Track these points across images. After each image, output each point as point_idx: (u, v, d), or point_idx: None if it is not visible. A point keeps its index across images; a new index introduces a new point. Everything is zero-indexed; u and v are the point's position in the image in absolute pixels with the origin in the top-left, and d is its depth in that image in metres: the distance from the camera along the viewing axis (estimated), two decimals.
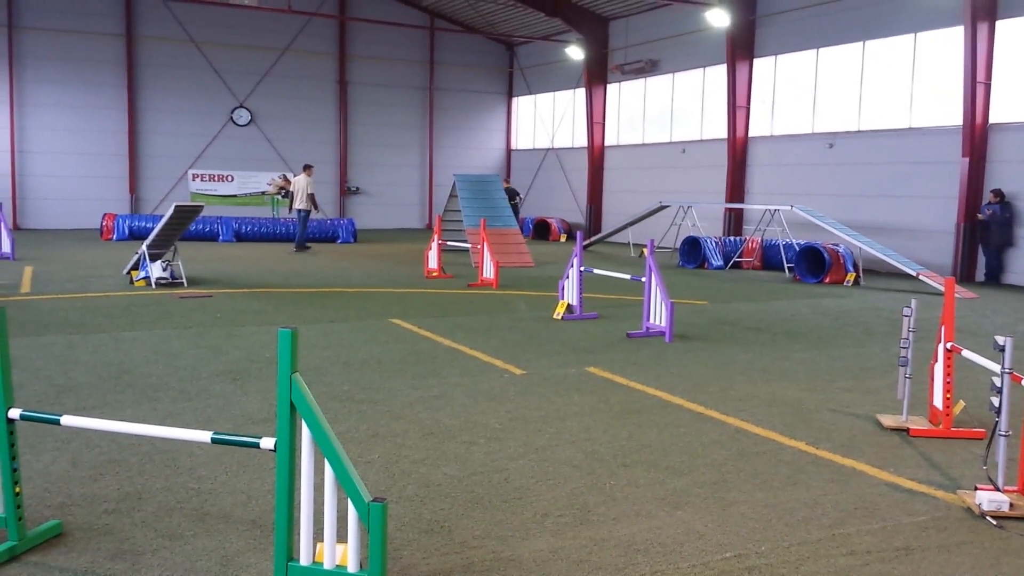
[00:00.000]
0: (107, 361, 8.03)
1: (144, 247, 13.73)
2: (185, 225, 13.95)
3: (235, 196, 29.94)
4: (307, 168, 21.95)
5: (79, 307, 11.34)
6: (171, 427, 4.15)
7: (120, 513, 4.40)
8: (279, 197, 30.31)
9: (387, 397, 6.89)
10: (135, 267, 14.03)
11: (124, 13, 27.98)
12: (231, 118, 29.77)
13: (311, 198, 21.53)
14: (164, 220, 13.46)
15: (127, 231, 23.66)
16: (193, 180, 29.42)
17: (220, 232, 24.37)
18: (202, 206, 14.19)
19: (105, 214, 24.51)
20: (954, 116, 18.31)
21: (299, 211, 21.63)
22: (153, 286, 13.51)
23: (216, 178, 29.74)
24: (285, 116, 30.50)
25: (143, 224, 23.60)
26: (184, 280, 13.90)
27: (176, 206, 13.36)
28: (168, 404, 6.55)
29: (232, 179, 29.93)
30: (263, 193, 30.38)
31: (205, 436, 3.62)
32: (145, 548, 3.99)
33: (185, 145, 29.26)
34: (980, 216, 17.66)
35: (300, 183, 21.70)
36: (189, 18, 28.72)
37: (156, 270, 13.64)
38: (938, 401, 6.25)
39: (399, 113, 32.54)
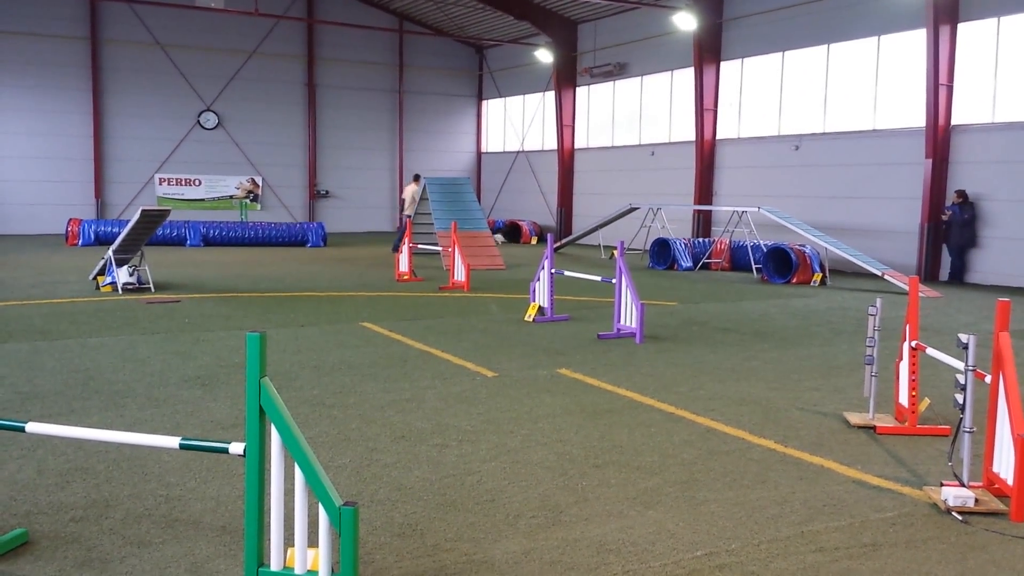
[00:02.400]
0: (73, 368, 7.92)
1: (110, 252, 13.57)
2: (152, 230, 13.80)
3: (203, 200, 29.68)
4: (417, 178, 22.62)
5: (44, 313, 11.18)
6: (139, 433, 4.11)
7: (87, 521, 4.35)
8: (247, 201, 30.12)
9: (358, 401, 6.86)
10: (101, 272, 13.86)
11: (88, 16, 27.64)
12: (198, 121, 29.50)
13: (403, 203, 22.41)
14: (130, 225, 13.31)
15: (93, 236, 23.34)
16: (160, 184, 29.11)
17: (188, 236, 24.13)
18: (169, 210, 14.07)
19: (70, 219, 24.18)
20: (917, 118, 18.59)
21: (408, 217, 21.97)
22: (120, 291, 13.35)
23: (183, 182, 29.45)
24: (253, 119, 30.29)
25: (109, 229, 23.29)
26: (151, 285, 13.75)
27: (143, 210, 13.23)
28: (136, 410, 6.48)
29: (200, 183, 29.66)
30: (231, 197, 30.14)
31: (173, 442, 3.59)
32: (113, 556, 3.95)
33: (152, 149, 28.96)
34: (943, 216, 17.95)
35: (410, 191, 22.29)
36: (154, 21, 28.43)
37: (123, 275, 13.48)
38: (904, 399, 6.34)
39: (368, 116, 32.43)
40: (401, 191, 32.72)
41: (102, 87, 28.08)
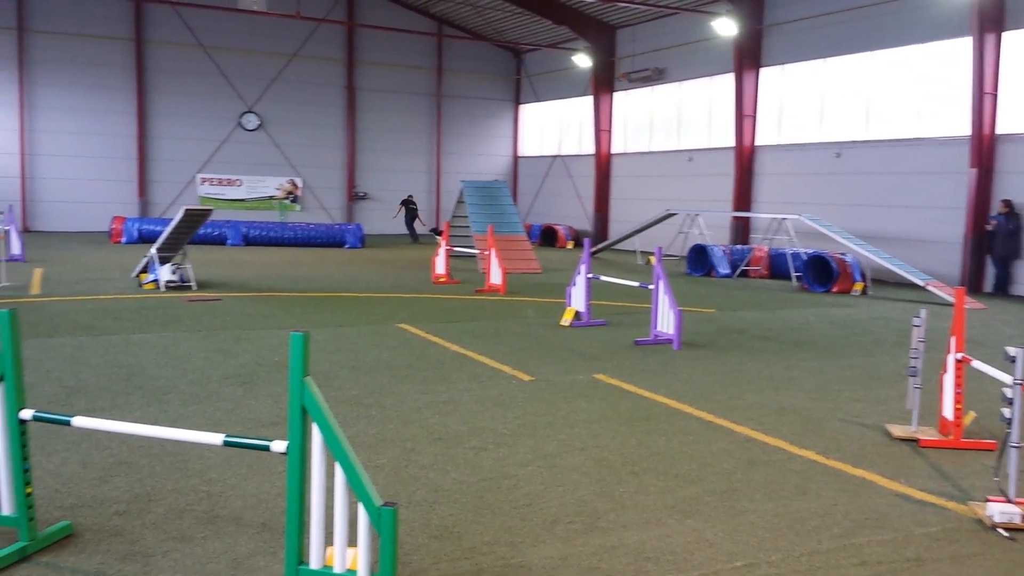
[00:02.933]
0: (117, 363, 8.05)
1: (153, 250, 13.77)
2: (194, 229, 13.99)
3: (243, 200, 30.04)
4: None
5: (89, 309, 11.38)
6: (183, 429, 4.16)
7: (130, 515, 4.41)
8: (287, 202, 30.42)
9: (396, 402, 6.89)
10: (144, 270, 14.07)
11: (133, 17, 28.11)
12: (240, 123, 29.87)
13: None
14: (173, 223, 13.50)
15: (136, 234, 23.72)
16: (202, 184, 29.52)
17: (229, 236, 24.43)
18: (211, 210, 14.24)
19: (114, 217, 24.60)
20: (962, 126, 18.28)
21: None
22: (162, 289, 13.54)
23: (225, 182, 29.83)
24: (293, 121, 30.60)
25: (152, 227, 23.66)
26: (193, 283, 13.94)
27: (186, 210, 13.40)
28: (178, 407, 6.56)
29: (241, 183, 30.03)
30: (271, 198, 30.47)
31: (217, 439, 3.63)
32: (155, 550, 4.00)
33: (194, 149, 29.38)
34: (988, 227, 17.62)
35: None
36: (198, 23, 28.85)
37: (165, 273, 13.67)
38: (948, 412, 6.23)
39: (407, 119, 32.62)
40: (438, 195, 32.89)
41: (146, 87, 28.54)
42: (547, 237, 29.12)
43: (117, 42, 28.01)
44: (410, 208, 28.99)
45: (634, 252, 24.49)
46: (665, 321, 10.09)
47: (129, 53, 28.20)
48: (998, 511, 4.64)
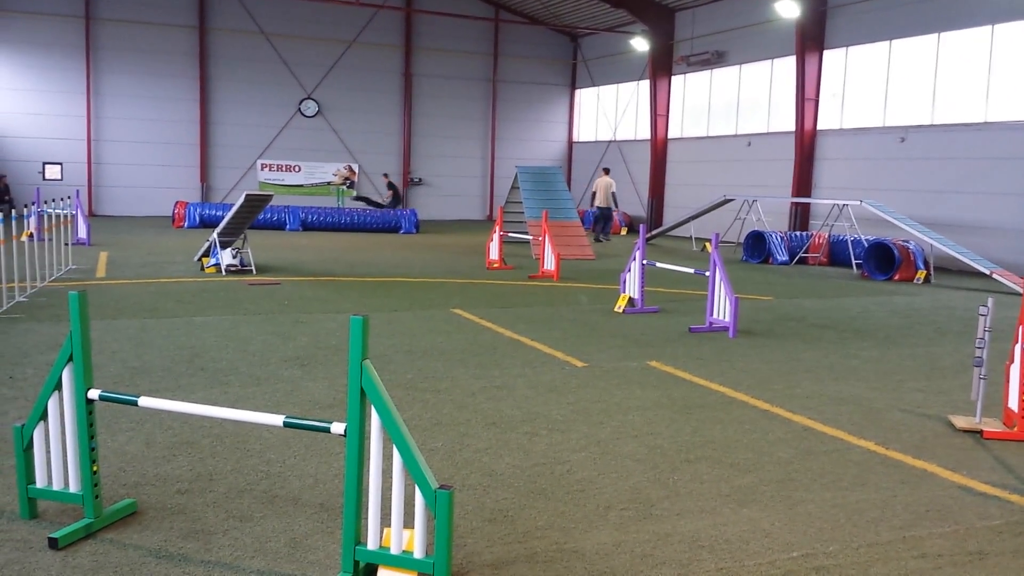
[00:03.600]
0: (179, 345, 8.24)
1: (215, 235, 14.04)
2: (255, 214, 14.22)
3: (302, 186, 30.46)
4: (607, 171, 24.26)
5: (152, 292, 11.66)
6: (244, 410, 4.25)
7: (192, 493, 4.52)
8: (344, 187, 30.74)
9: (450, 386, 6.94)
10: (206, 254, 14.36)
11: (197, 5, 28.61)
12: (299, 109, 30.25)
13: (613, 196, 23.56)
14: (235, 208, 13.75)
15: (198, 219, 24.21)
16: (262, 170, 30.00)
17: (287, 221, 24.79)
18: (271, 195, 14.45)
19: (177, 202, 25.14)
20: None
21: (599, 208, 23.54)
22: (223, 273, 13.81)
23: (284, 168, 30.28)
24: (351, 108, 30.89)
25: (214, 212, 24.13)
26: (253, 267, 14.19)
27: (247, 195, 13.63)
28: (238, 388, 6.70)
29: (299, 169, 30.45)
30: (329, 183, 30.84)
31: (277, 420, 3.70)
32: (216, 528, 4.10)
33: (254, 135, 29.85)
34: None
35: (602, 184, 23.50)
36: (259, 11, 29.25)
37: (226, 257, 13.93)
38: (1014, 403, 6.06)
39: (462, 105, 32.69)
40: (492, 180, 32.93)
41: (208, 74, 29.05)
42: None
43: (180, 29, 28.55)
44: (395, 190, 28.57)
45: (689, 238, 24.24)
46: (721, 308, 9.98)
47: (192, 40, 28.73)
48: None
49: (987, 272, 15.66)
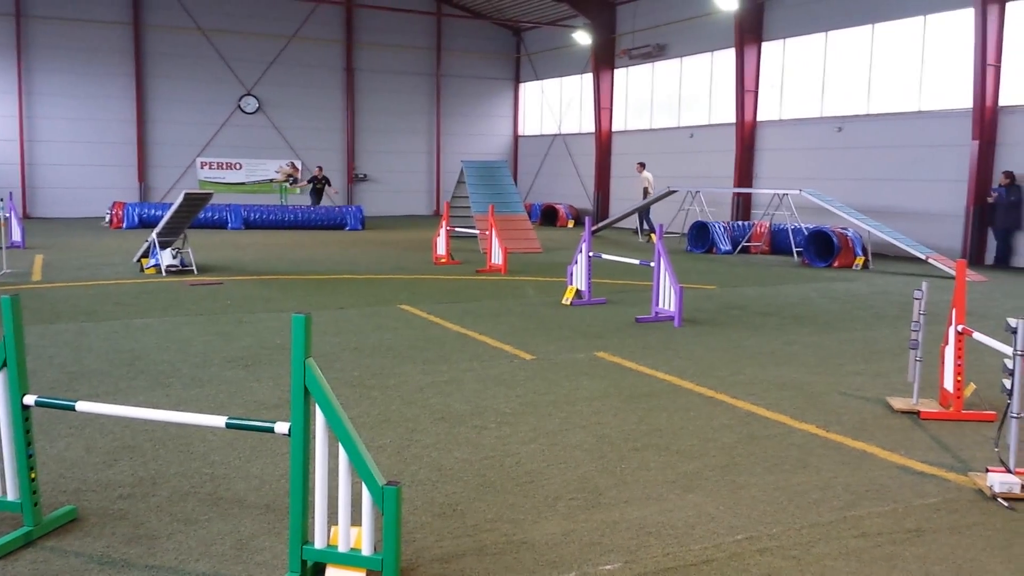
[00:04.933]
0: (119, 348, 8.07)
1: (154, 235, 13.78)
2: (194, 213, 13.99)
3: (243, 184, 29.99)
4: (643, 165, 23.91)
5: (90, 295, 11.40)
6: (186, 412, 4.18)
7: (135, 498, 4.44)
8: (287, 184, 30.37)
9: (398, 383, 6.92)
10: (145, 255, 14.08)
11: (131, 2, 27.96)
12: (239, 106, 29.78)
13: (645, 191, 23.30)
14: (174, 208, 13.50)
15: (137, 219, 23.72)
16: (201, 168, 29.47)
17: (229, 220, 24.42)
18: (211, 194, 14.24)
19: (115, 202, 24.58)
20: (964, 99, 18.20)
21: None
22: (163, 274, 13.56)
23: (224, 166, 29.78)
24: (292, 103, 30.50)
25: (153, 212, 23.66)
26: (194, 267, 13.95)
27: (186, 194, 13.40)
28: (180, 390, 6.59)
29: (240, 167, 29.97)
30: (271, 181, 30.43)
31: (220, 421, 3.65)
32: (160, 532, 4.03)
33: (193, 133, 29.31)
34: (989, 199, 17.58)
35: (647, 178, 23.41)
36: (196, 6, 28.71)
37: (166, 258, 13.69)
38: (949, 384, 6.24)
39: (406, 100, 32.50)
40: (438, 176, 32.81)
41: (144, 72, 28.43)
42: (548, 216, 29.08)
43: (115, 26, 27.89)
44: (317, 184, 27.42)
45: (635, 230, 24.45)
46: (666, 298, 10.10)
47: (127, 37, 28.08)
48: (998, 481, 4.66)
49: (923, 257, 16.08)
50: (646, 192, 23.33)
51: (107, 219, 24.28)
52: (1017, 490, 4.62)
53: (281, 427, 3.50)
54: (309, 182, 27.75)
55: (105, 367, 7.31)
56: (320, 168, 27.94)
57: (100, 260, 15.57)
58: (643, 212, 23.07)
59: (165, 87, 28.78)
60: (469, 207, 20.15)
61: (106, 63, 27.88)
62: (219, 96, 29.51)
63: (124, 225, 23.71)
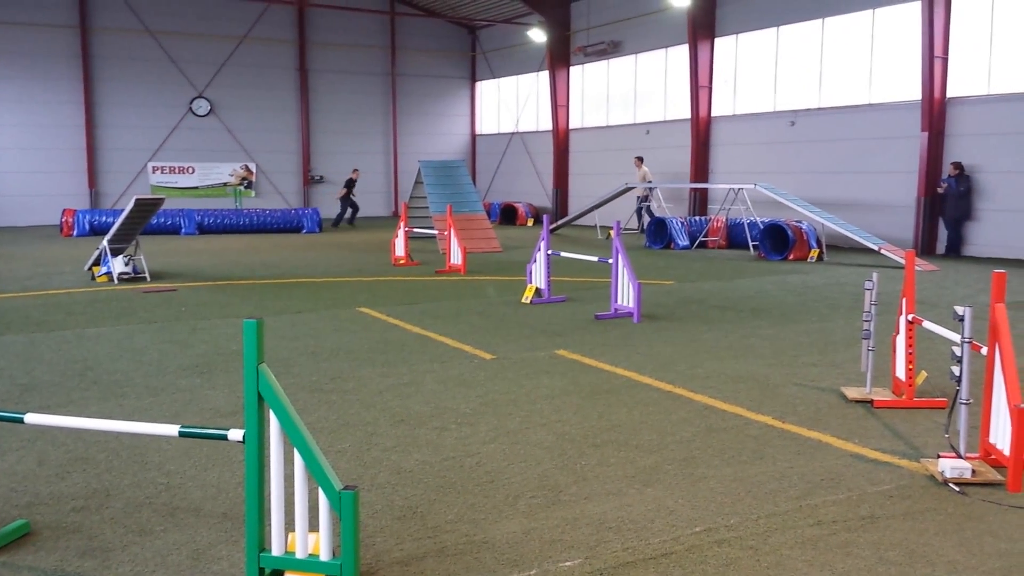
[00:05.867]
0: (71, 358, 7.92)
1: (105, 242, 13.55)
2: (146, 219, 13.77)
3: (197, 188, 29.60)
4: (641, 160, 23.61)
5: (40, 305, 11.17)
6: (138, 422, 4.11)
7: (88, 510, 4.36)
8: (241, 188, 30.03)
9: (357, 386, 6.87)
10: (96, 263, 13.84)
11: (77, 4, 27.45)
12: (190, 109, 29.38)
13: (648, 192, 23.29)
14: (124, 214, 13.29)
15: (88, 226, 23.28)
16: (153, 173, 29.03)
17: (183, 225, 24.08)
18: (163, 199, 14.04)
19: (65, 210, 24.09)
20: (913, 91, 18.54)
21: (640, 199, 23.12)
22: (115, 281, 13.34)
23: (177, 170, 29.36)
24: (245, 106, 30.16)
25: (104, 219, 23.23)
26: (147, 274, 13.74)
27: (136, 199, 13.19)
28: (134, 400, 6.49)
29: (193, 171, 29.58)
30: (225, 184, 30.06)
31: (172, 430, 3.60)
32: (115, 544, 3.96)
33: (144, 138, 28.85)
34: (939, 189, 17.94)
35: (643, 173, 23.22)
36: (144, 8, 28.26)
37: (118, 265, 13.46)
38: (901, 372, 6.35)
39: (361, 100, 32.30)
40: (396, 176, 32.66)
41: (93, 76, 27.92)
42: (507, 215, 29.10)
43: (61, 30, 27.35)
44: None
45: (594, 227, 24.57)
46: (625, 295, 10.15)
47: (74, 41, 27.56)
48: (949, 467, 4.75)
49: (875, 248, 16.37)
50: (649, 189, 23.38)
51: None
52: (968, 475, 4.72)
53: (235, 434, 3.46)
54: (347, 187, 26.93)
55: (57, 378, 7.17)
56: (356, 171, 27.50)
57: (50, 269, 15.27)
58: (644, 205, 23.13)
59: (114, 91, 28.29)
60: (427, 207, 20.08)
61: (53, 68, 27.34)
62: (170, 99, 29.08)
63: (75, 233, 23.26)
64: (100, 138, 28.31)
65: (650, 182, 23.17)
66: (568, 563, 3.76)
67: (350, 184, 26.94)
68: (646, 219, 22.76)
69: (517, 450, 5.29)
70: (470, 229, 18.57)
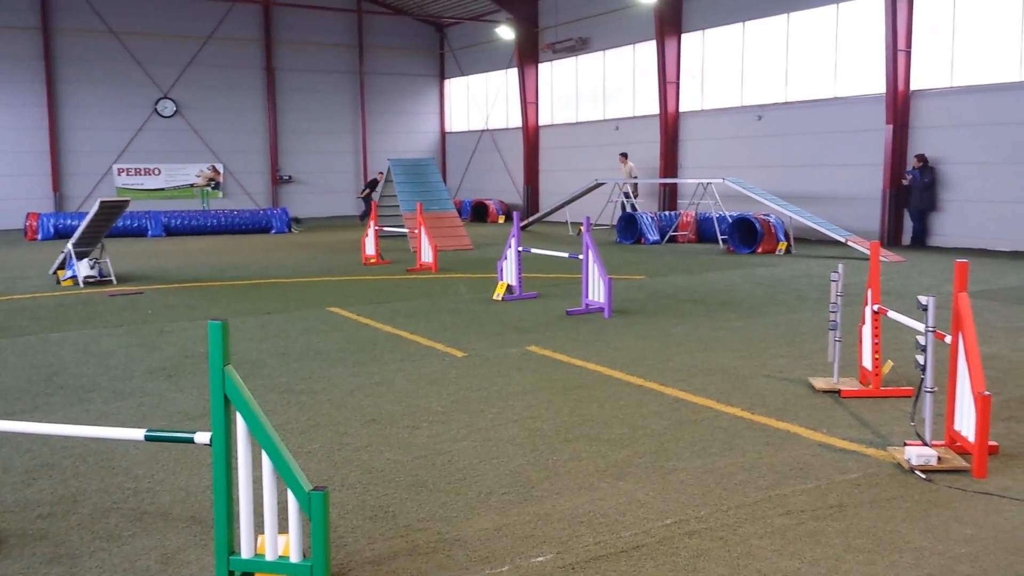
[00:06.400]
0: (36, 363, 7.80)
1: (70, 245, 13.37)
2: (111, 221, 13.61)
3: (163, 189, 29.28)
4: (625, 156, 23.45)
5: (4, 309, 10.99)
6: (104, 427, 4.06)
7: (55, 517, 4.30)
8: (208, 189, 29.77)
9: (327, 386, 6.83)
10: (61, 266, 13.65)
11: (39, 5, 27.02)
12: (155, 109, 29.05)
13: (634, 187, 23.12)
14: (89, 217, 13.12)
15: (52, 230, 22.96)
16: (119, 175, 28.67)
17: (149, 227, 23.81)
18: (128, 201, 13.88)
19: (29, 213, 23.73)
20: (877, 84, 18.75)
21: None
22: (81, 285, 13.16)
23: (143, 172, 29.02)
24: (212, 106, 29.86)
25: (68, 222, 22.91)
26: (113, 278, 13.57)
27: (101, 202, 13.03)
28: (101, 404, 6.41)
29: (159, 172, 29.25)
30: (192, 185, 29.77)
31: (139, 434, 3.56)
32: (82, 551, 3.91)
33: (109, 139, 28.48)
34: (904, 181, 18.17)
35: (628, 169, 23.13)
36: (107, 8, 27.89)
37: (83, 269, 13.28)
38: (867, 362, 6.43)
39: (329, 99, 32.10)
40: (365, 176, 32.52)
41: (55, 78, 27.52)
42: (478, 212, 29.06)
43: (22, 31, 26.92)
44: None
45: (565, 223, 24.62)
46: (596, 290, 10.18)
47: (36, 42, 27.13)
48: (915, 454, 4.82)
49: (842, 240, 16.54)
50: (634, 184, 23.34)
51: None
52: (934, 462, 4.79)
53: (202, 437, 3.43)
54: (369, 186, 26.28)
55: (22, 384, 7.06)
56: (382, 174, 27.05)
57: (14, 273, 15.03)
58: (631, 198, 23.00)
59: (78, 93, 27.90)
60: (398, 206, 20.01)
61: (14, 70, 26.90)
62: (134, 100, 28.72)
63: (39, 236, 22.93)
64: (64, 141, 27.91)
65: (635, 177, 23.22)
66: (540, 558, 3.77)
67: (372, 184, 26.55)
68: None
69: (489, 447, 5.28)
70: (441, 227, 18.53)
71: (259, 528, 3.66)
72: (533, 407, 6.15)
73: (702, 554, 3.79)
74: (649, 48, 24.42)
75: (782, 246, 17.29)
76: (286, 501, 3.48)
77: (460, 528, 4.10)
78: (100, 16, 27.83)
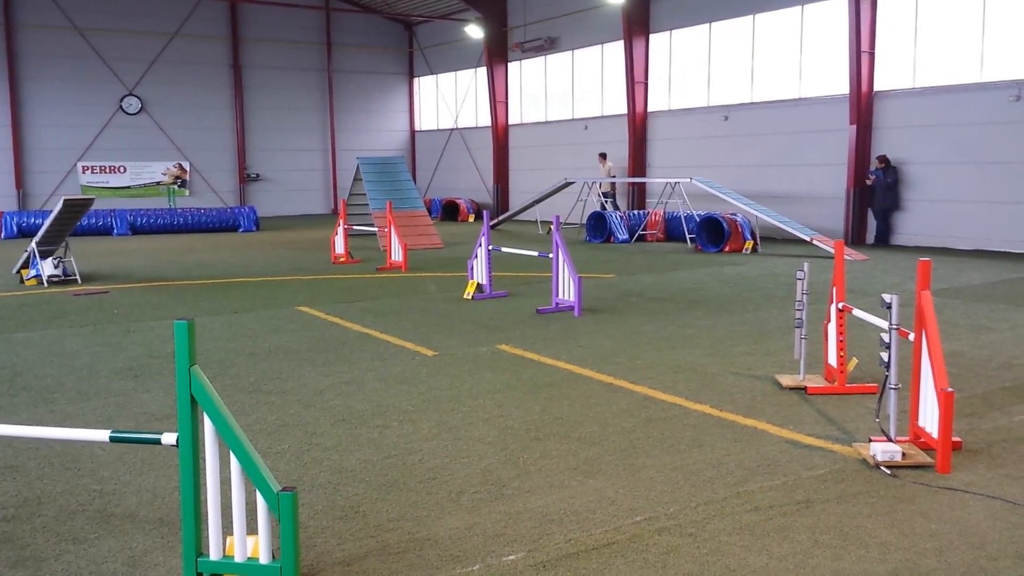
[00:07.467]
0: None
1: (33, 244, 13.17)
2: (76, 220, 13.42)
3: (129, 188, 28.90)
4: (604, 156, 23.41)
5: None
6: (69, 428, 4.01)
7: (19, 519, 4.24)
8: (175, 187, 29.43)
9: (296, 386, 6.79)
10: (25, 265, 13.44)
11: (0, 1, 26.60)
12: (120, 107, 28.65)
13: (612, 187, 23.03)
14: (53, 215, 12.92)
15: (15, 229, 22.59)
16: (83, 173, 28.24)
17: (114, 225, 23.50)
18: (92, 199, 13.69)
19: None
20: (841, 85, 18.98)
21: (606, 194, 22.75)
22: (45, 284, 12.96)
23: (108, 170, 28.62)
24: (178, 103, 29.51)
25: (32, 220, 22.56)
26: (77, 277, 13.38)
27: (65, 200, 12.84)
28: (65, 405, 6.32)
29: (125, 170, 28.85)
30: (158, 183, 29.41)
31: (103, 435, 3.52)
32: (47, 554, 3.86)
33: (73, 137, 28.04)
34: (868, 181, 18.41)
35: (606, 169, 23.07)
36: (71, 4, 27.46)
37: (47, 268, 13.09)
38: (832, 359, 6.51)
39: (298, 96, 31.86)
40: (335, 173, 32.34)
41: (18, 74, 27.04)
42: (449, 211, 29.01)
43: None
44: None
45: (535, 222, 24.64)
46: (566, 289, 10.21)
47: None
48: (880, 450, 4.89)
49: (808, 239, 16.72)
50: (612, 184, 23.31)
51: None
52: (898, 458, 4.86)
53: (168, 438, 3.40)
54: None
55: None
56: None
57: None
58: (610, 197, 23.02)
59: (41, 90, 27.44)
60: (367, 205, 19.92)
61: None
62: (99, 97, 28.31)
63: (2, 235, 22.55)
64: (27, 138, 27.44)
65: (614, 176, 23.30)
66: (511, 557, 3.78)
67: None
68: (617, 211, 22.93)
69: (460, 446, 5.29)
70: (411, 226, 18.48)
71: (228, 529, 3.63)
72: (503, 406, 6.16)
73: (672, 551, 3.82)
74: (617, 48, 24.51)
75: (748, 245, 17.45)
76: (255, 502, 3.45)
77: (431, 527, 4.10)
78: (64, 12, 27.40)
